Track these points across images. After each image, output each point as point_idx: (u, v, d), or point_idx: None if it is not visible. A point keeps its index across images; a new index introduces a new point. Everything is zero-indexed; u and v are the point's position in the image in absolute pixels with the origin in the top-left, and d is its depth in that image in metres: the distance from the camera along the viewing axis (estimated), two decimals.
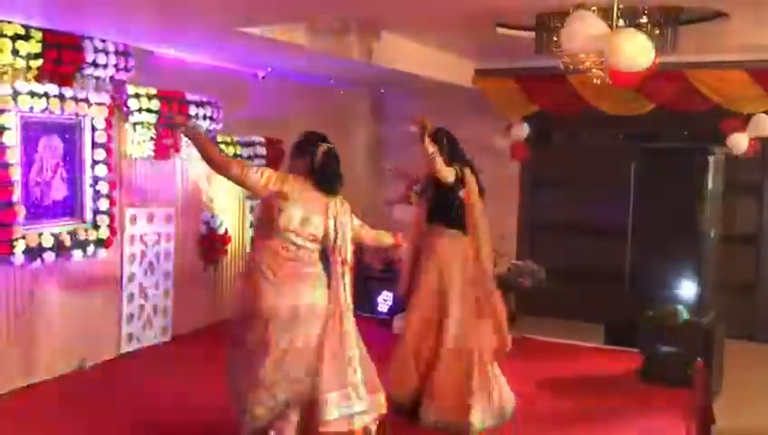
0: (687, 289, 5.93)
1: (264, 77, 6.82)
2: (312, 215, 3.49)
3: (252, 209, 6.67)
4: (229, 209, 6.45)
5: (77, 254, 4.93)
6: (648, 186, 6.32)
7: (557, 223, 8.27)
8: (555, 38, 4.87)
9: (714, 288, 6.34)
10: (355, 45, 5.70)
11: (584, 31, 3.79)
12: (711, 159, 6.06)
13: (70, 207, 5.00)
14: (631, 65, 3.77)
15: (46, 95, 4.65)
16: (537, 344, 6.26)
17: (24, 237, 4.55)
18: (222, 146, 6.24)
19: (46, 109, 4.66)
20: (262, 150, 6.65)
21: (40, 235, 4.67)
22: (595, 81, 4.69)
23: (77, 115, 4.93)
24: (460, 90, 7.72)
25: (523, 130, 7.85)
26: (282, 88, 7.10)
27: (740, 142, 6.99)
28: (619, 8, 4.01)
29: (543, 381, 5.19)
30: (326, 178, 3.56)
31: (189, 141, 3.93)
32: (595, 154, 8.06)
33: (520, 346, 6.13)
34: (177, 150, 5.80)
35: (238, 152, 6.37)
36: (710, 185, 6.05)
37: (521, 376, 5.24)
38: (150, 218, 5.61)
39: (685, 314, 5.44)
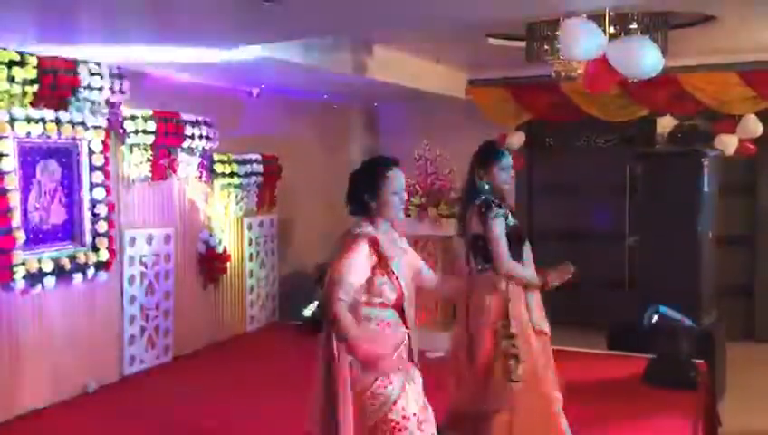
0: (687, 291, 5.94)
1: (258, 94, 6.85)
2: None
3: (250, 227, 6.69)
4: (227, 228, 6.45)
5: (77, 277, 4.93)
6: (643, 189, 6.35)
7: (555, 229, 8.28)
8: (547, 47, 4.93)
9: (713, 289, 6.36)
10: (348, 60, 5.74)
11: (584, 38, 3.81)
12: (705, 160, 6.10)
13: (69, 231, 5.01)
14: (643, 74, 3.80)
15: (43, 120, 4.66)
16: None
17: (24, 263, 4.54)
18: (218, 164, 6.26)
19: (43, 133, 4.67)
20: (258, 168, 6.67)
21: (40, 260, 4.67)
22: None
23: (74, 139, 4.94)
24: (454, 101, 7.76)
25: (518, 139, 7.89)
26: (276, 104, 7.14)
27: (729, 143, 7.04)
28: (609, 15, 4.05)
29: None
30: None
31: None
32: (590, 159, 8.11)
33: None
34: (174, 171, 5.81)
35: (235, 170, 6.39)
36: (706, 187, 6.09)
37: None
38: (149, 239, 5.61)
39: (686, 317, 5.45)
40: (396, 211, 2.88)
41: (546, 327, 3.84)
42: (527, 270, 3.68)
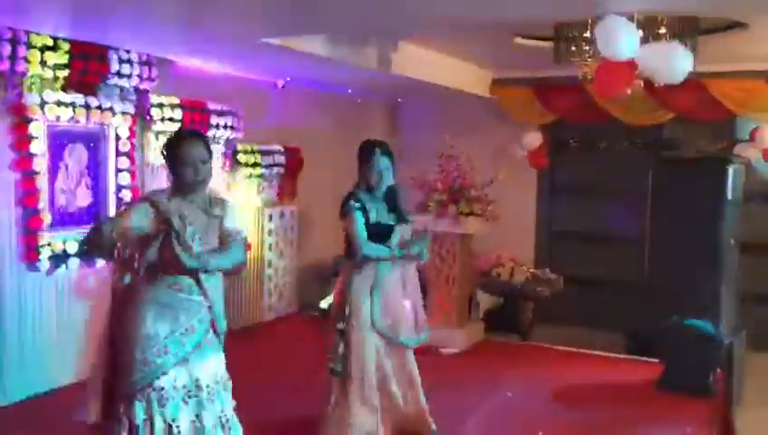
0: (707, 297, 5.90)
1: (283, 86, 6.90)
2: None
3: (271, 218, 6.73)
4: (248, 217, 6.51)
5: (100, 260, 5.00)
6: (666, 194, 6.31)
7: (575, 231, 8.25)
8: (574, 48, 4.92)
9: (734, 298, 6.31)
10: (373, 55, 5.75)
11: (622, 36, 3.79)
12: (730, 168, 6.05)
13: (94, 215, 5.09)
14: (673, 79, 3.78)
15: (72, 105, 4.74)
16: (555, 353, 6.26)
17: (49, 244, 4.64)
18: (242, 154, 6.32)
19: (72, 118, 4.76)
20: (281, 159, 6.72)
21: (65, 241, 4.76)
22: None
23: (101, 124, 5.02)
24: (477, 99, 7.75)
25: (534, 139, 7.86)
26: (300, 97, 7.17)
27: (749, 152, 6.97)
28: (638, 19, 4.03)
29: (561, 391, 5.19)
30: None
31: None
32: (613, 162, 8.05)
33: (539, 355, 6.18)
34: None
35: (258, 160, 6.44)
36: (729, 194, 6.03)
37: (539, 385, 5.25)
38: None
39: (704, 324, 5.42)
40: (189, 180, 2.94)
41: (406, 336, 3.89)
42: (383, 249, 3.75)
